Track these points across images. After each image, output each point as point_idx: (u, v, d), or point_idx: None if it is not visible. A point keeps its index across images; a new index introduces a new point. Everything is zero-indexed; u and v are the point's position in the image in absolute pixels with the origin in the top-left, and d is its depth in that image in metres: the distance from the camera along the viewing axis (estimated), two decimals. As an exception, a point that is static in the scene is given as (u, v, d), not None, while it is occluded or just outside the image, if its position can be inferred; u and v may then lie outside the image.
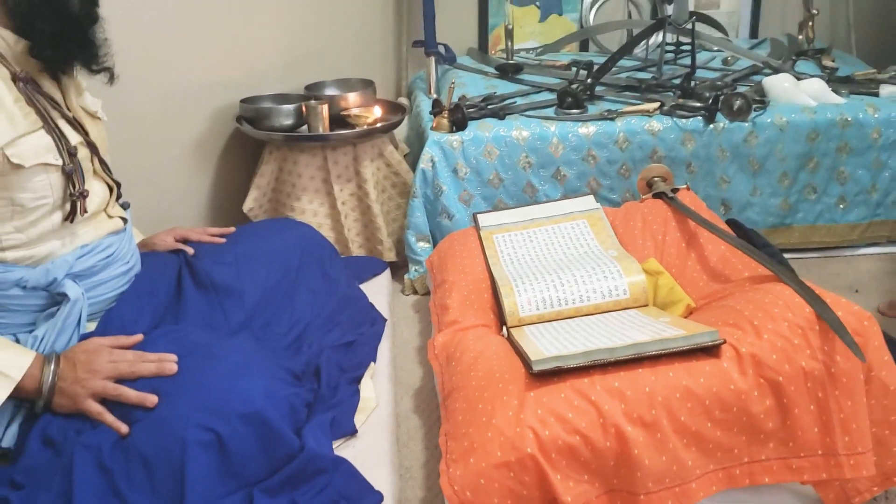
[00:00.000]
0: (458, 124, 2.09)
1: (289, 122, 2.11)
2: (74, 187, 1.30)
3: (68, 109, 1.35)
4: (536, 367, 1.18)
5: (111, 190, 1.44)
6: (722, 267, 1.58)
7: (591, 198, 1.93)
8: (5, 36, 1.23)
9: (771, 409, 1.19)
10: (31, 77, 1.27)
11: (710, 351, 1.21)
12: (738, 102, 2.08)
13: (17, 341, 1.27)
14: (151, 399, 1.20)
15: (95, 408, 1.20)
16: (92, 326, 1.35)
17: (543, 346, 1.31)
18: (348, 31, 2.48)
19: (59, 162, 1.26)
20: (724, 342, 1.20)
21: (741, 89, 2.27)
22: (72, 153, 1.29)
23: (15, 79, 1.23)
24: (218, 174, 2.24)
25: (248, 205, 2.14)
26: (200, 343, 1.32)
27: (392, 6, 2.65)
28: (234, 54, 2.19)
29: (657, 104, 2.13)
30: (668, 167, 2.05)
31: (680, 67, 2.54)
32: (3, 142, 1.18)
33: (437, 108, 2.16)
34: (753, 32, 2.94)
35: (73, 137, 1.32)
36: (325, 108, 2.08)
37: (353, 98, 2.22)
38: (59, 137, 1.27)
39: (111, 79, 1.38)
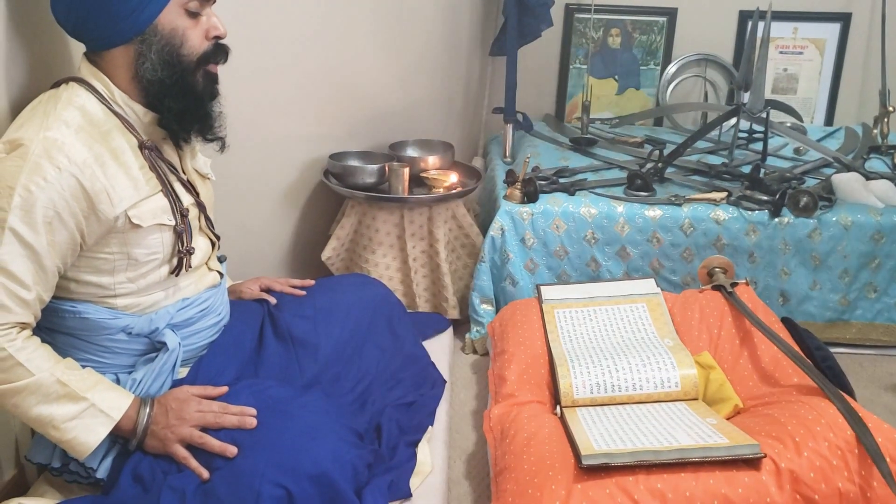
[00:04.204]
0: (530, 196, 2.19)
1: (372, 180, 2.24)
2: (183, 245, 1.44)
3: (183, 172, 1.50)
4: (585, 462, 1.28)
5: (213, 244, 1.58)
6: (773, 369, 1.64)
7: (651, 281, 2.01)
8: (136, 109, 1.39)
9: (804, 525, 1.25)
10: (155, 145, 1.42)
11: (750, 462, 1.29)
12: (804, 199, 2.14)
13: (118, 381, 1.41)
14: (232, 450, 1.33)
15: (182, 452, 1.34)
16: (184, 372, 1.49)
17: (593, 435, 1.40)
18: (433, 94, 2.61)
19: (173, 222, 1.41)
20: (765, 456, 1.28)
21: (810, 183, 2.33)
22: (184, 214, 1.44)
23: (142, 146, 1.38)
24: (301, 222, 2.39)
25: (327, 254, 2.28)
26: (277, 398, 1.45)
27: (476, 73, 2.79)
28: (326, 110, 2.34)
29: (724, 194, 2.20)
30: (730, 255, 2.13)
31: (751, 153, 2.60)
32: (127, 205, 1.33)
33: (510, 178, 2.27)
34: (829, 119, 2.98)
35: (186, 199, 1.47)
36: (407, 171, 2.21)
37: (432, 161, 2.36)
38: (174, 200, 1.42)
39: (222, 147, 1.52)
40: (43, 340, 1.31)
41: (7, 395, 1.25)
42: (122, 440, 1.37)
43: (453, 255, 2.32)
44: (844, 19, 2.89)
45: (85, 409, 1.29)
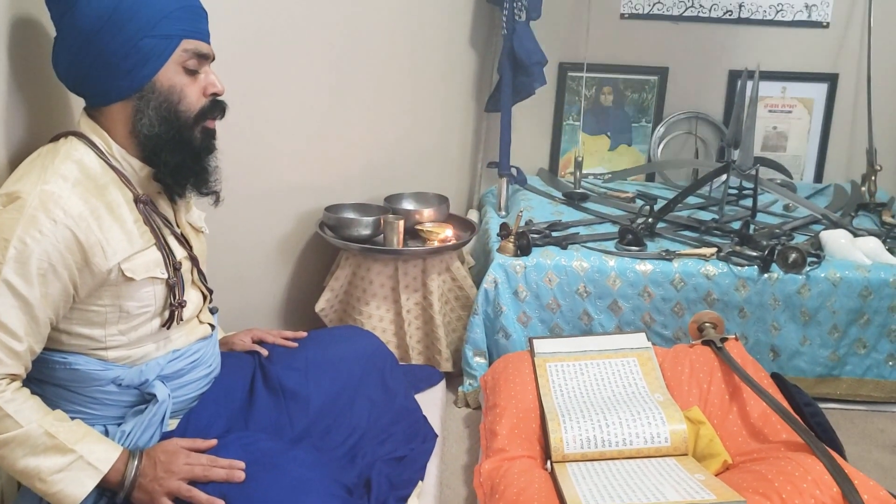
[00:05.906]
0: (523, 250, 2.22)
1: (367, 232, 2.27)
2: (175, 298, 1.45)
3: (177, 226, 1.52)
4: (573, 518, 1.28)
5: (204, 297, 1.60)
6: (762, 425, 1.65)
7: (643, 336, 2.02)
8: (133, 163, 1.41)
9: (793, 583, 1.25)
10: (150, 199, 1.44)
11: (738, 519, 1.29)
12: (793, 256, 2.17)
13: (107, 433, 1.41)
14: (220, 504, 1.32)
15: (169, 506, 1.33)
16: (174, 424, 1.49)
17: (582, 492, 1.39)
18: (429, 148, 2.66)
19: (165, 276, 1.42)
20: (752, 513, 1.28)
21: (798, 239, 2.36)
22: (176, 267, 1.45)
23: (137, 200, 1.40)
24: (295, 274, 2.41)
25: (321, 305, 2.29)
26: (267, 452, 1.44)
27: (471, 128, 2.84)
28: (322, 162, 2.38)
29: (714, 249, 2.23)
30: (720, 310, 2.15)
31: (741, 209, 2.64)
32: (121, 258, 1.34)
33: (504, 231, 2.30)
34: (818, 176, 3.03)
35: (179, 252, 1.48)
36: (402, 223, 2.24)
37: (427, 213, 2.39)
38: (167, 254, 1.43)
39: (216, 201, 1.54)
40: (32, 392, 1.31)
41: (-5, 446, 1.25)
42: (109, 493, 1.36)
43: (447, 308, 2.33)
44: (831, 79, 2.95)
45: (72, 461, 1.28)
